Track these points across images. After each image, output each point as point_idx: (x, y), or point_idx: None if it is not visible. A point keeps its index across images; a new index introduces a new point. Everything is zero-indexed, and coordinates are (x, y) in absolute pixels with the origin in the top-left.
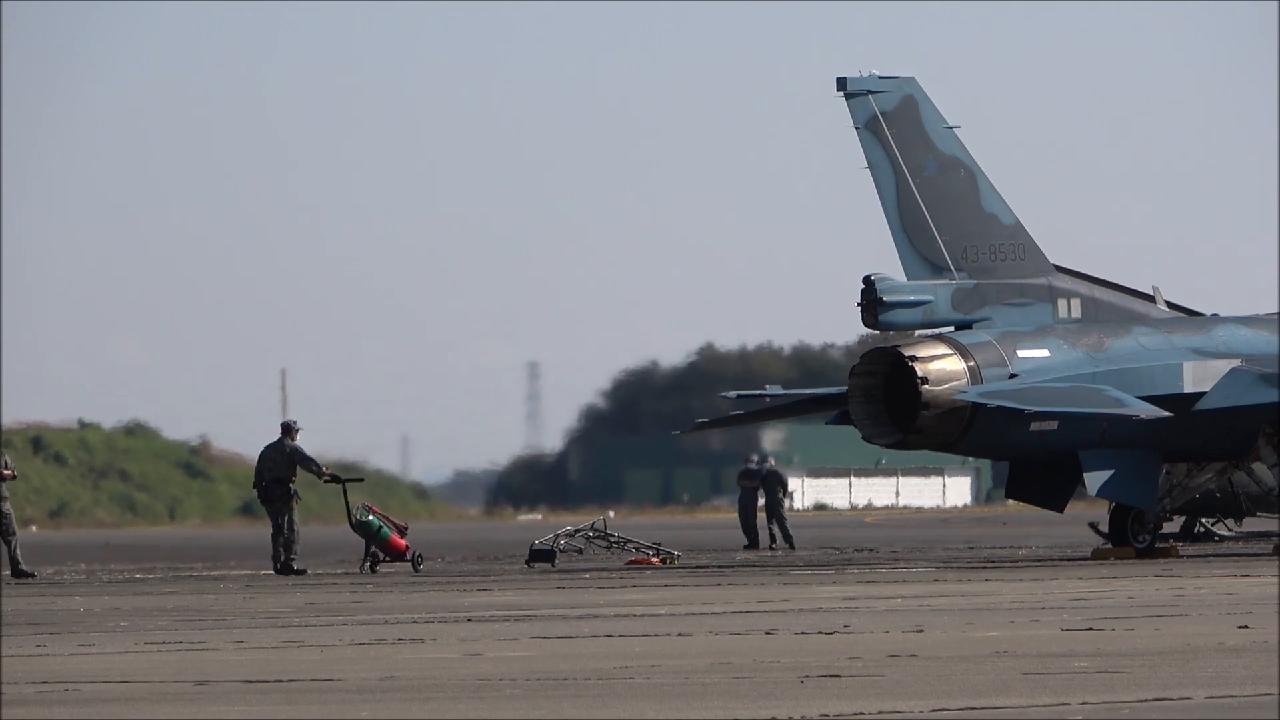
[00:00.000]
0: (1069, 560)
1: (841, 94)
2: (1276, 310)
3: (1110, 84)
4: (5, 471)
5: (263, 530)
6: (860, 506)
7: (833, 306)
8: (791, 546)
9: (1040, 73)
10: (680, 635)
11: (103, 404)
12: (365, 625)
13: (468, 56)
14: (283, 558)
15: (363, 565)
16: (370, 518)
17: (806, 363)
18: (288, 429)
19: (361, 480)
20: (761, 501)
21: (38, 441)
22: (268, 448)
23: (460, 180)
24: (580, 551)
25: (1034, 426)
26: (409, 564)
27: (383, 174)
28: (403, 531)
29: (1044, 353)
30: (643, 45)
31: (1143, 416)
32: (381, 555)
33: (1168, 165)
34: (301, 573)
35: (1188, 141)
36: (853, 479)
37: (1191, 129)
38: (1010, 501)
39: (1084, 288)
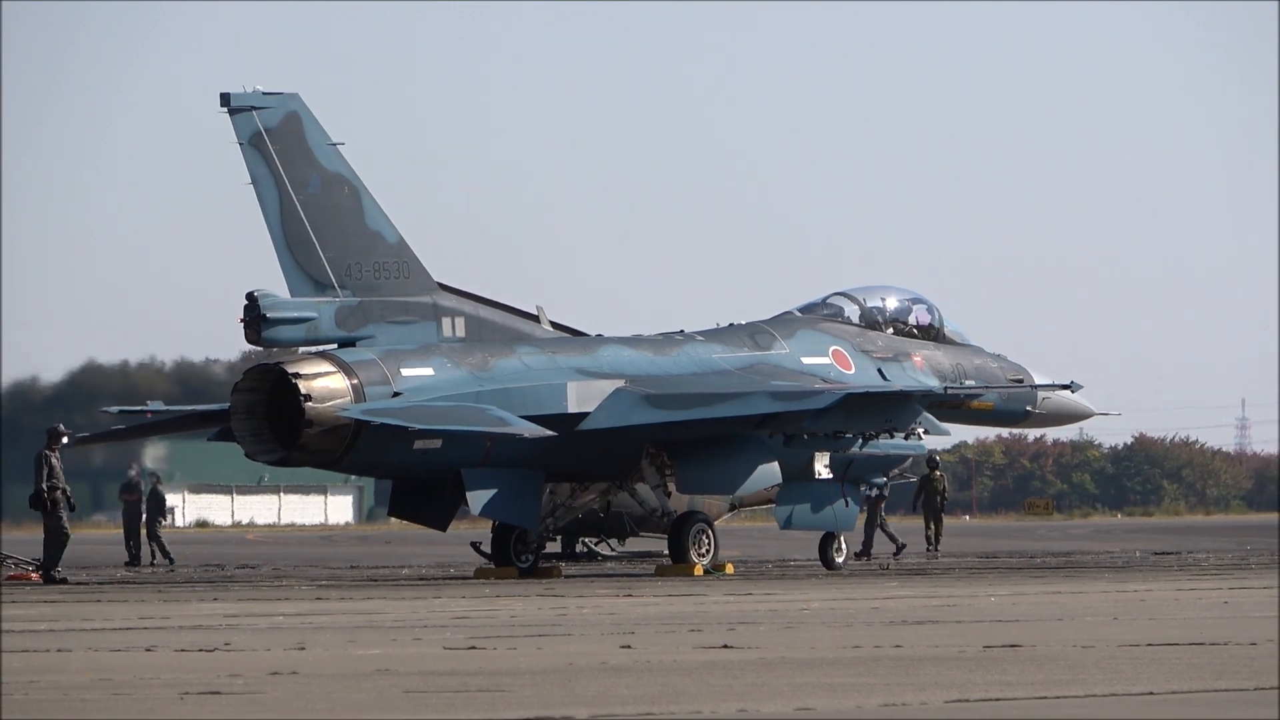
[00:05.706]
0: (452, 579)
1: (225, 109)
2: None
3: (476, 92)
4: None
5: None
6: (243, 523)
7: (216, 322)
8: (171, 563)
9: (424, 83)
10: (60, 651)
11: None
12: None
13: None
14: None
15: None
16: None
17: (189, 379)
18: (50, 436)
19: None
20: (144, 518)
21: None
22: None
23: None
24: None
25: (417, 445)
26: None
27: None
28: None
29: (428, 371)
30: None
31: (526, 435)
32: None
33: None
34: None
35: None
36: (235, 495)
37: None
38: (394, 520)
39: (469, 306)
